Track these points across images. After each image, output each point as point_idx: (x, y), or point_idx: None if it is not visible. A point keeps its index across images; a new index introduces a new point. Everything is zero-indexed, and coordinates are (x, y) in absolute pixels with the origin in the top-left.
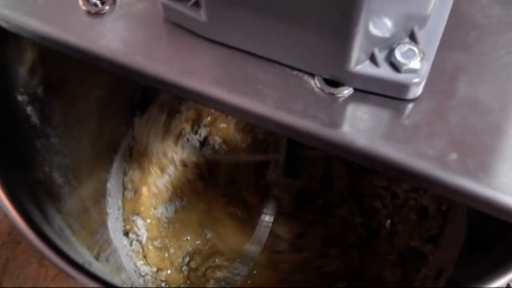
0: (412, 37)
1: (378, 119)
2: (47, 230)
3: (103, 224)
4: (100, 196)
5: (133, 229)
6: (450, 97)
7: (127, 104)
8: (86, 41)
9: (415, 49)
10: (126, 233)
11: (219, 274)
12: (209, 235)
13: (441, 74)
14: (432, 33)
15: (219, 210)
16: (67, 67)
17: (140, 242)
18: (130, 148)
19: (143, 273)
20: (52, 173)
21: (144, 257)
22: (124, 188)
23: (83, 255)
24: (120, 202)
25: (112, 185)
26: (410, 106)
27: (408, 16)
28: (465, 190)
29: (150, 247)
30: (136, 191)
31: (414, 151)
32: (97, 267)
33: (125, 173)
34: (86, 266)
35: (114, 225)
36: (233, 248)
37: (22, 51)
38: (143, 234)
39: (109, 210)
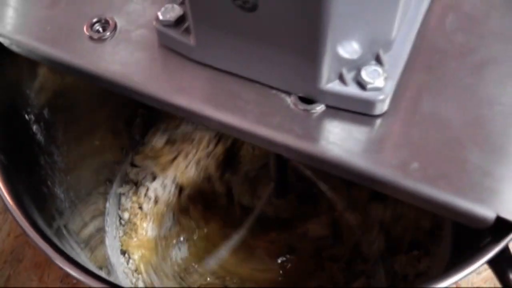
0: (378, 60)
1: (348, 133)
2: (55, 240)
3: (102, 241)
4: (99, 214)
5: (129, 249)
6: (414, 113)
7: (127, 130)
8: (88, 64)
9: (380, 69)
10: (123, 252)
11: None
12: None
13: (406, 92)
14: (397, 56)
15: (215, 233)
16: (72, 92)
17: (135, 261)
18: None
19: None
20: (54, 188)
21: (140, 274)
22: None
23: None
24: (118, 222)
25: (111, 205)
26: (377, 121)
27: (373, 41)
28: (424, 196)
29: (146, 267)
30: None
31: (379, 161)
32: None
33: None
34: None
35: (112, 243)
36: (225, 267)
37: (30, 74)
38: (138, 257)
39: (107, 229)
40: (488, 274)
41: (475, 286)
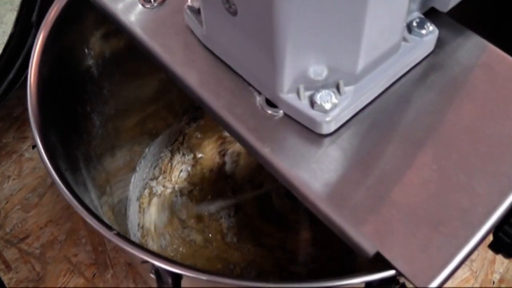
0: (337, 88)
1: (291, 141)
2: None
3: (127, 178)
4: (134, 153)
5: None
6: (355, 147)
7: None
8: (129, 23)
9: (334, 95)
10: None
11: None
12: None
13: (360, 125)
14: (359, 92)
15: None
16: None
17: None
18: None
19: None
20: (92, 114)
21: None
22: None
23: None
24: (152, 172)
25: (151, 153)
26: (323, 140)
27: (335, 69)
28: (324, 215)
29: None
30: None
31: (307, 174)
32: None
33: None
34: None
35: (137, 182)
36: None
37: (102, 19)
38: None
39: (137, 168)
40: None
41: None
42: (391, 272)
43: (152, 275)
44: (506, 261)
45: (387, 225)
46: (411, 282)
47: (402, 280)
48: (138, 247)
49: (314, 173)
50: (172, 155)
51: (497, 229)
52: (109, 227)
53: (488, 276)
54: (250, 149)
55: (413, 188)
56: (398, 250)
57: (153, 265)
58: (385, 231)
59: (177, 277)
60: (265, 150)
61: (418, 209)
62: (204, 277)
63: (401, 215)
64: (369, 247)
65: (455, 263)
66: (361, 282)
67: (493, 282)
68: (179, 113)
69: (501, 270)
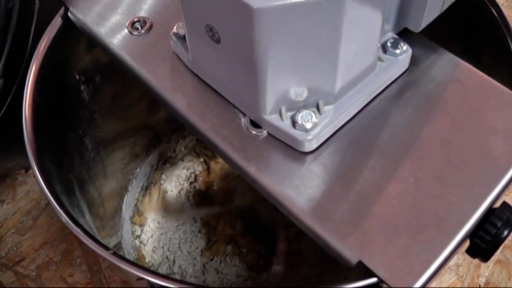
0: (317, 108)
1: (276, 159)
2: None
3: (120, 198)
4: (126, 174)
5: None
6: (335, 164)
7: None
8: (118, 50)
9: (314, 115)
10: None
11: None
12: None
13: (340, 142)
14: (338, 111)
15: None
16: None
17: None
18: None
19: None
20: (83, 138)
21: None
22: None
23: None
24: (143, 191)
25: (142, 172)
26: (306, 157)
27: (314, 90)
28: (305, 225)
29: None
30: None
31: (291, 189)
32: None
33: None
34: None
35: (129, 202)
36: None
37: (89, 45)
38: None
39: (130, 188)
40: None
41: None
42: (373, 280)
43: None
44: (491, 264)
45: (367, 236)
46: None
47: (385, 287)
48: (134, 265)
49: (298, 189)
50: (162, 173)
51: (473, 235)
52: (105, 247)
53: (474, 280)
54: (236, 168)
55: (391, 199)
56: (379, 258)
57: (148, 281)
58: (366, 241)
59: None
60: (251, 169)
61: (396, 219)
62: None
63: (380, 225)
64: (352, 256)
65: (433, 269)
66: None
67: (479, 285)
68: (168, 132)
69: (486, 274)
